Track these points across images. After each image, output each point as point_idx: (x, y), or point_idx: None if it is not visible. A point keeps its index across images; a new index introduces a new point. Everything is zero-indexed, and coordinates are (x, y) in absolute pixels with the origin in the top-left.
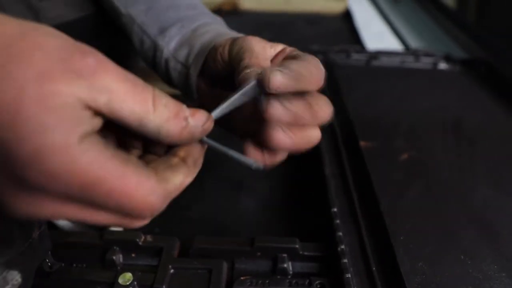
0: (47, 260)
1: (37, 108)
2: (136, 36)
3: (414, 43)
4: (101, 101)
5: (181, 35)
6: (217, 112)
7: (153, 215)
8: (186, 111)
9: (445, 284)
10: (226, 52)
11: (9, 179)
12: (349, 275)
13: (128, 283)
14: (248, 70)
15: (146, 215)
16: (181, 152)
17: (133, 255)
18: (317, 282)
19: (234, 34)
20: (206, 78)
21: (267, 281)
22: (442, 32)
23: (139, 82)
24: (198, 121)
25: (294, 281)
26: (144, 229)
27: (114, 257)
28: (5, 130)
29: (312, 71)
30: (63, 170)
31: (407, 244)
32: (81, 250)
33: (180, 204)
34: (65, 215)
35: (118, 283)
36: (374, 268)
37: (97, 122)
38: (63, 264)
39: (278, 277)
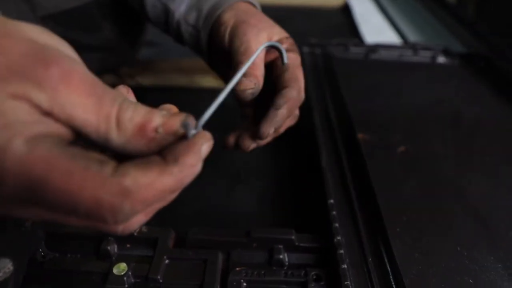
0: (40, 250)
1: None
2: (149, 2)
3: (412, 37)
4: (62, 115)
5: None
6: (206, 115)
7: (117, 218)
8: (156, 120)
9: (441, 275)
10: (227, 37)
11: None
12: (345, 266)
13: (122, 273)
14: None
15: (107, 216)
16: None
17: (128, 245)
18: (313, 273)
19: None
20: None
21: (262, 272)
22: (441, 26)
23: (105, 95)
24: (170, 129)
25: (290, 272)
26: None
27: (108, 248)
28: None
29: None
30: (5, 173)
31: (403, 236)
32: (76, 241)
33: (176, 197)
34: (34, 217)
35: (113, 273)
36: (370, 259)
37: (58, 128)
38: (57, 254)
39: (274, 268)
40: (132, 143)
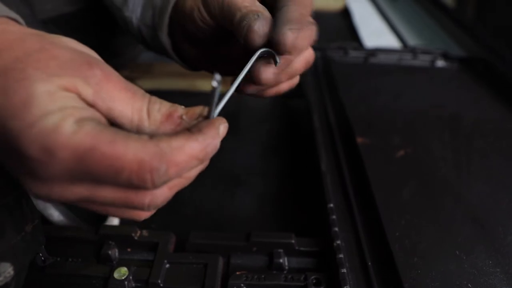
0: (41, 254)
1: (41, 101)
2: (118, 18)
3: (412, 41)
4: (103, 107)
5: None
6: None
7: (155, 180)
8: (180, 110)
9: (440, 279)
10: (204, 13)
11: (23, 168)
12: (344, 270)
13: (123, 278)
14: (245, 22)
15: (146, 177)
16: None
17: (128, 250)
18: (313, 277)
19: None
20: (188, 38)
21: (262, 276)
22: (440, 30)
23: (137, 92)
24: (193, 115)
25: (289, 276)
26: (140, 225)
27: (109, 252)
28: (15, 118)
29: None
30: (58, 146)
31: (402, 240)
32: (76, 245)
33: (176, 200)
34: (73, 196)
35: (114, 277)
36: (369, 264)
37: (99, 117)
38: (58, 259)
39: (274, 272)
40: (161, 129)
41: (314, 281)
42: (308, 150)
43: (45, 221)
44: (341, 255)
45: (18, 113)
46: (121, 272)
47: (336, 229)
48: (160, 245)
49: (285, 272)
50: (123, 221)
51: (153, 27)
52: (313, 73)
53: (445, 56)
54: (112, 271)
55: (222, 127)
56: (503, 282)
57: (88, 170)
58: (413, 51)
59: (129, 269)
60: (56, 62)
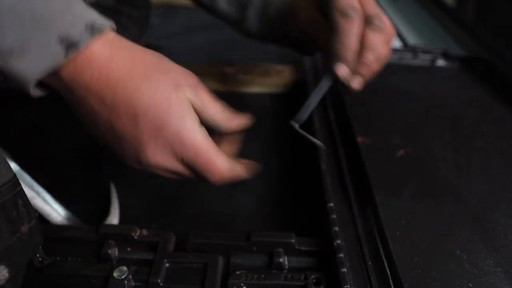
0: (38, 255)
1: (178, 105)
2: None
3: (412, 40)
4: (200, 108)
5: (256, 13)
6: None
7: (222, 181)
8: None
9: (440, 279)
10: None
11: (156, 139)
12: (345, 270)
13: (123, 277)
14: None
15: (218, 180)
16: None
17: (128, 249)
18: (313, 276)
19: None
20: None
21: (262, 276)
22: (441, 30)
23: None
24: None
25: (289, 276)
26: (141, 224)
27: (109, 251)
28: (164, 112)
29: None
30: (191, 142)
31: (403, 239)
32: (76, 245)
33: (176, 200)
34: (170, 168)
35: (113, 277)
36: (369, 263)
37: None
38: (57, 258)
39: (274, 271)
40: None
41: (314, 280)
42: (308, 150)
43: (43, 220)
44: (341, 255)
45: (164, 112)
46: (121, 272)
47: (336, 228)
48: (160, 244)
49: (285, 271)
50: (123, 220)
51: (272, 34)
52: (314, 72)
53: (446, 56)
54: (112, 271)
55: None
56: (504, 282)
57: (193, 162)
58: (413, 50)
59: (129, 268)
60: (174, 73)
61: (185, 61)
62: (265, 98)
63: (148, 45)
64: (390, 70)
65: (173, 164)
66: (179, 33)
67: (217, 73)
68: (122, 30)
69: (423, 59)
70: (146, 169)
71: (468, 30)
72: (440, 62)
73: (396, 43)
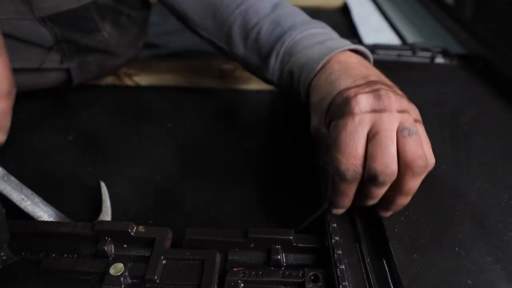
0: (2, 253)
1: None
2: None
3: (411, 38)
4: None
5: (279, 63)
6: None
7: None
8: None
9: (439, 276)
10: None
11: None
12: (343, 267)
13: (119, 274)
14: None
15: None
16: None
17: (125, 246)
18: (311, 273)
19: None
20: None
21: (260, 272)
22: (440, 27)
23: None
24: None
25: (287, 273)
26: (138, 221)
27: (105, 248)
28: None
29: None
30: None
31: (401, 236)
32: (72, 241)
33: (174, 197)
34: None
35: (109, 273)
36: (368, 260)
37: None
38: (53, 255)
39: (272, 268)
40: None
41: (312, 277)
42: (306, 146)
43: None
44: (339, 252)
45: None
46: (117, 268)
47: (335, 225)
48: (157, 241)
49: (282, 268)
50: (120, 218)
51: (290, 86)
52: None
53: (444, 53)
54: (108, 267)
55: None
56: (503, 279)
57: None
58: (412, 48)
59: (125, 265)
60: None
61: (185, 59)
62: (264, 95)
63: (147, 43)
64: (389, 67)
65: None
66: (177, 30)
67: (216, 70)
68: (122, 31)
69: (422, 57)
70: None
71: (467, 28)
72: (439, 60)
73: (395, 41)
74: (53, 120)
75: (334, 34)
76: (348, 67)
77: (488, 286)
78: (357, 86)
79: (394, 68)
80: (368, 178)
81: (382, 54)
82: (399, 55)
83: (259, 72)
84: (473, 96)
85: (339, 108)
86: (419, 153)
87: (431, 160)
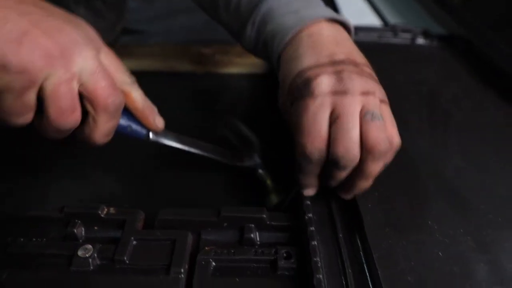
0: None
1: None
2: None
3: (392, 19)
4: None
5: (255, 31)
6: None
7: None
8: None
9: (411, 249)
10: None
11: None
12: (315, 243)
13: (88, 255)
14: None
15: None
16: None
17: (95, 228)
18: (283, 250)
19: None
20: None
21: (232, 251)
22: (421, 9)
23: None
24: None
25: (260, 250)
26: (113, 205)
27: (75, 230)
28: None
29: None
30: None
31: (375, 212)
32: (41, 225)
33: (150, 181)
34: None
35: (78, 255)
36: (340, 235)
37: None
38: (22, 239)
39: (245, 247)
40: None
41: (284, 254)
42: (284, 127)
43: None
44: (312, 228)
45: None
46: (85, 250)
47: (308, 202)
48: (128, 222)
49: (256, 247)
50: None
51: (267, 58)
52: None
53: (426, 34)
54: (76, 249)
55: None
56: (473, 249)
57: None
58: (393, 29)
59: (94, 246)
60: (88, 33)
61: (164, 44)
62: (243, 78)
63: (127, 29)
64: (370, 48)
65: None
66: (158, 16)
67: (195, 54)
68: (97, 16)
69: (403, 38)
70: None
71: (448, 9)
72: (420, 41)
73: (376, 22)
74: None
75: (316, 1)
76: (317, 42)
77: (458, 256)
78: (319, 65)
79: (375, 49)
80: (331, 161)
81: (362, 36)
82: (380, 37)
83: (237, 38)
84: (453, 76)
85: (299, 90)
86: (381, 138)
87: (396, 143)
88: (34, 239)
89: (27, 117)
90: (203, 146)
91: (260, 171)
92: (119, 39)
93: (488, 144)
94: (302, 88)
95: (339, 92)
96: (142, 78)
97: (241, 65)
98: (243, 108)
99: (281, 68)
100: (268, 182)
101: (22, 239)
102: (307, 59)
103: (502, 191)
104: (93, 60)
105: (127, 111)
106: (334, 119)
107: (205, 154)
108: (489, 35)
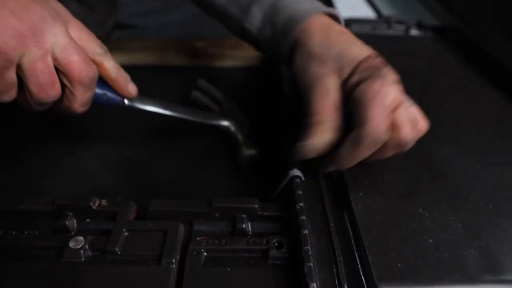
0: None
1: None
2: (235, 27)
3: (386, 11)
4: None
5: (262, 13)
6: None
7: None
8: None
9: (401, 236)
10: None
11: None
12: (306, 232)
13: (79, 247)
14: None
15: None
16: None
17: (87, 220)
18: (275, 240)
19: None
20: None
21: (224, 241)
22: (415, 1)
23: None
24: None
25: (251, 240)
26: (107, 197)
27: (66, 223)
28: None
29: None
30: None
31: (366, 200)
32: (32, 218)
33: (143, 173)
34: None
35: (69, 247)
36: (332, 224)
37: None
38: (13, 232)
39: (237, 237)
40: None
41: (276, 244)
42: (275, 117)
43: None
44: (303, 217)
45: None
46: (77, 241)
47: (300, 192)
48: (119, 213)
49: (248, 237)
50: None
51: (271, 38)
52: None
53: (419, 26)
54: (68, 241)
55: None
56: (463, 237)
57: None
58: (387, 20)
59: (86, 238)
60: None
61: (157, 38)
62: (237, 71)
63: (121, 24)
64: (364, 40)
65: None
66: (152, 11)
67: (188, 48)
68: (88, 9)
69: (397, 29)
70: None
71: (441, 0)
72: (414, 32)
73: (370, 14)
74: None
75: None
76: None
77: (448, 244)
78: (377, 55)
79: (369, 41)
80: (394, 144)
81: (356, 27)
82: (374, 28)
83: (236, 22)
84: (446, 66)
85: (376, 68)
86: (424, 118)
87: None
88: (25, 232)
89: (11, 94)
90: (178, 108)
91: (232, 128)
92: (112, 33)
93: (481, 133)
94: (380, 68)
95: (396, 82)
96: (135, 73)
97: (235, 58)
98: (237, 101)
99: (315, 41)
100: (239, 137)
101: (13, 232)
102: (362, 47)
103: (493, 179)
104: (63, 35)
105: (102, 80)
106: (397, 105)
107: (180, 115)
108: (482, 25)
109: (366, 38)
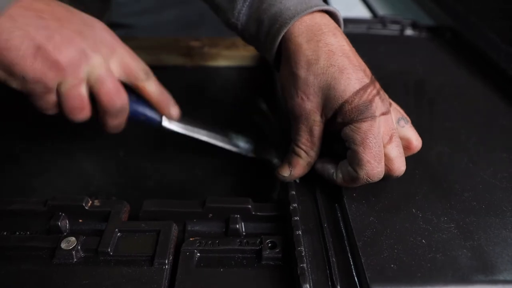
0: None
1: None
2: (222, 19)
3: (381, 11)
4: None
5: (248, 8)
6: None
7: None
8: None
9: (394, 237)
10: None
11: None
12: (299, 232)
13: (71, 248)
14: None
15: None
16: None
17: (80, 220)
18: (268, 240)
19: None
20: None
21: (217, 241)
22: (410, 1)
23: None
24: None
25: (245, 241)
26: (100, 197)
27: (59, 223)
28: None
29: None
30: None
31: (359, 200)
32: (25, 218)
33: (137, 173)
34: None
35: (61, 247)
36: (325, 225)
37: None
38: (5, 233)
39: (230, 237)
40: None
41: (269, 244)
42: (269, 117)
43: None
44: (296, 218)
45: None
46: (69, 242)
47: (293, 192)
48: (112, 214)
49: (241, 237)
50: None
51: (256, 37)
52: None
53: (414, 25)
54: (59, 242)
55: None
56: (455, 237)
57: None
58: (382, 20)
59: (78, 238)
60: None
61: (152, 37)
62: (232, 71)
63: (115, 24)
64: (359, 40)
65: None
66: (146, 10)
67: (183, 47)
68: (81, 6)
69: (392, 29)
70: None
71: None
72: (409, 32)
73: (365, 14)
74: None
75: None
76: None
77: (441, 244)
78: (369, 85)
79: (364, 41)
80: (386, 173)
81: (352, 27)
82: (369, 28)
83: (224, 14)
84: (441, 66)
85: (360, 112)
86: (417, 136)
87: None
88: (17, 233)
89: (53, 111)
90: (217, 135)
91: (276, 160)
92: None
93: (474, 132)
94: (364, 110)
95: (385, 112)
96: None
97: (230, 58)
98: (232, 101)
99: (299, 63)
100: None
101: (5, 233)
102: (353, 75)
103: (486, 179)
104: (99, 66)
105: (143, 100)
106: (388, 139)
107: (225, 146)
108: (477, 25)
109: (362, 38)
